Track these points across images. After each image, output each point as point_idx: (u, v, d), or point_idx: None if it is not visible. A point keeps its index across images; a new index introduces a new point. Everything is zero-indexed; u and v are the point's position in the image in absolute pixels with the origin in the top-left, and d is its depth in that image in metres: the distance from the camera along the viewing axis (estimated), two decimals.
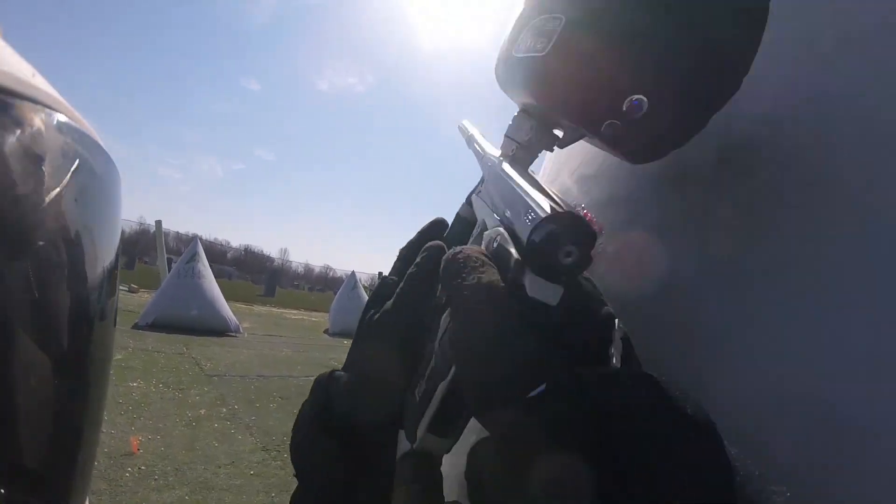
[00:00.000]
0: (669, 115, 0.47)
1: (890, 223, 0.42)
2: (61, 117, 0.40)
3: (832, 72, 0.53)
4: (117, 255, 0.50)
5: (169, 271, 15.08)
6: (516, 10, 0.57)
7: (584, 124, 0.50)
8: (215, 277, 14.81)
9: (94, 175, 0.45)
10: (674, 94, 0.46)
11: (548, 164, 1.08)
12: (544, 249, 0.39)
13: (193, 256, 14.21)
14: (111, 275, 0.48)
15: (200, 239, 15.57)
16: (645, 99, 0.45)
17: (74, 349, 0.41)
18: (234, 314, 14.75)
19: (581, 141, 0.67)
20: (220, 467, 5.12)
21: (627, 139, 0.49)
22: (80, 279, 0.42)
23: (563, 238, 0.39)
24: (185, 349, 10.92)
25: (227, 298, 15.09)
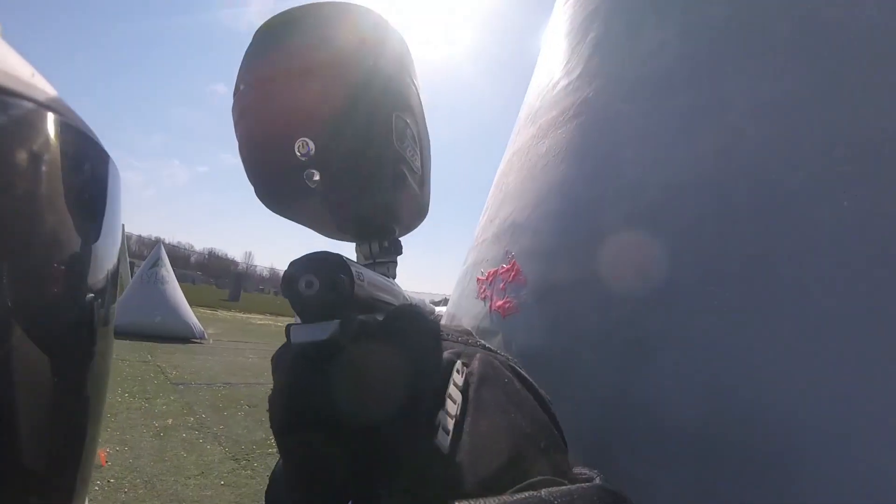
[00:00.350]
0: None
1: (790, 281, 0.54)
2: (61, 117, 0.40)
3: (740, 140, 0.64)
4: (118, 255, 0.50)
5: (132, 276, 14.77)
6: None
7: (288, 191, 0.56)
8: (179, 282, 14.49)
9: (94, 175, 0.45)
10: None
11: (487, 209, 1.15)
12: (286, 285, 0.45)
13: (157, 262, 13.85)
14: (112, 275, 0.48)
15: (164, 243, 15.18)
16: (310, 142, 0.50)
17: (75, 349, 0.41)
18: (199, 320, 14.42)
19: (515, 185, 0.76)
20: (189, 478, 5.05)
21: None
22: (81, 279, 0.42)
23: (298, 269, 0.45)
24: (150, 357, 10.67)
25: (191, 303, 14.79)
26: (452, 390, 0.43)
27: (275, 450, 6.09)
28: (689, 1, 0.79)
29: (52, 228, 0.37)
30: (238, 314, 29.10)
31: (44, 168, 0.36)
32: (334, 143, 0.51)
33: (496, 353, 0.53)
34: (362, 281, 0.49)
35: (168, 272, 13.95)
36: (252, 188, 0.57)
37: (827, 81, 0.60)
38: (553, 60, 1.09)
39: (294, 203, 0.58)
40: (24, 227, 0.34)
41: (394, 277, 0.67)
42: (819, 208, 0.56)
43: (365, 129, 0.53)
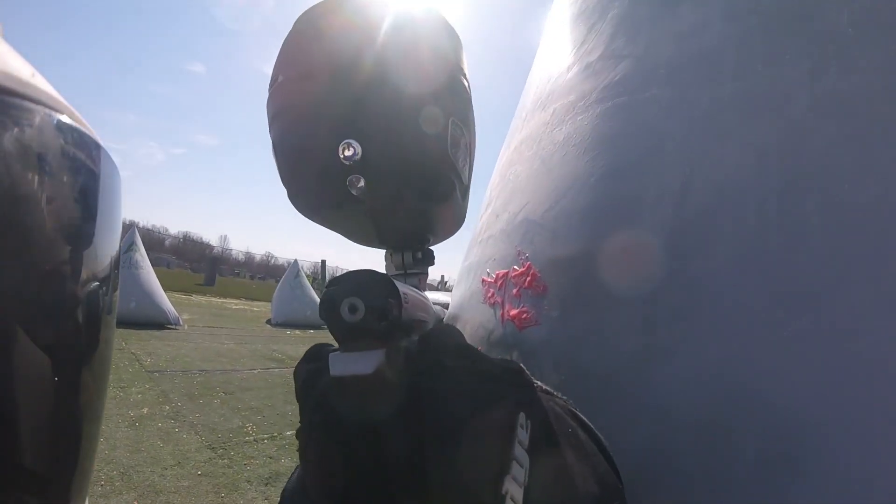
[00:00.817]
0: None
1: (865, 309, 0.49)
2: (61, 117, 0.40)
3: (803, 136, 0.57)
4: (118, 254, 0.50)
5: None
6: None
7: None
8: (153, 266, 14.28)
9: (94, 175, 0.45)
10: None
11: (491, 199, 1.07)
12: (326, 308, 0.40)
13: (130, 246, 13.53)
14: (112, 273, 0.48)
15: (138, 227, 14.97)
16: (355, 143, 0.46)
17: (76, 348, 0.41)
18: (174, 305, 14.26)
19: (526, 175, 0.69)
20: (166, 469, 4.99)
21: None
22: (81, 278, 0.42)
23: (342, 292, 0.41)
24: (125, 344, 10.51)
25: (166, 288, 14.57)
26: (518, 452, 0.40)
27: (251, 438, 6.07)
28: None
29: (54, 227, 0.37)
30: (213, 299, 28.75)
31: (44, 167, 0.37)
32: (384, 147, 0.47)
33: (553, 394, 0.49)
34: (407, 304, 0.46)
35: (142, 257, 13.76)
36: (286, 191, 0.54)
37: None
38: (564, 42, 1.00)
39: (333, 210, 0.54)
40: (26, 225, 0.35)
41: (423, 290, 0.63)
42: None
43: (416, 131, 0.48)
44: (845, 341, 0.51)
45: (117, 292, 0.51)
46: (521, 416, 0.42)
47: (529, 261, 0.81)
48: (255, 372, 9.79)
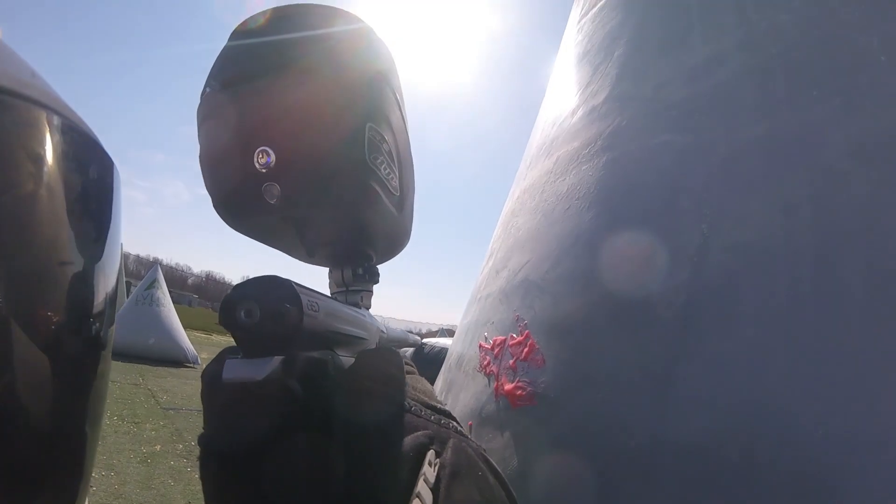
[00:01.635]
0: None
1: None
2: (61, 117, 0.40)
3: (839, 185, 0.50)
4: (119, 254, 0.51)
5: (128, 296, 14.74)
6: None
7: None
8: (175, 303, 14.52)
9: (94, 175, 0.45)
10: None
11: (492, 252, 1.00)
12: (224, 311, 0.40)
13: (153, 283, 13.95)
14: (113, 274, 0.48)
15: (161, 264, 15.32)
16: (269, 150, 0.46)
17: (76, 349, 0.42)
18: (193, 344, 14.45)
19: (528, 229, 0.63)
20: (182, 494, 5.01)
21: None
22: (81, 278, 0.42)
23: (239, 295, 0.41)
24: (141, 380, 10.62)
25: (186, 326, 14.83)
26: (422, 488, 0.39)
27: None
28: (749, 5, 0.62)
29: (53, 227, 0.38)
30: (232, 339, 29.16)
31: (45, 169, 0.37)
32: (296, 153, 0.47)
33: (468, 438, 0.49)
34: (317, 311, 0.45)
35: (164, 294, 14.06)
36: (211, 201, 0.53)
37: None
38: (569, 83, 0.93)
39: (252, 218, 0.53)
40: (26, 228, 0.35)
41: (368, 308, 0.64)
42: None
43: (330, 137, 0.49)
44: None
45: (117, 294, 0.50)
46: (431, 454, 0.42)
47: (528, 328, 0.73)
48: None
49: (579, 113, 0.84)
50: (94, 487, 4.88)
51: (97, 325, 0.44)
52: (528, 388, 0.68)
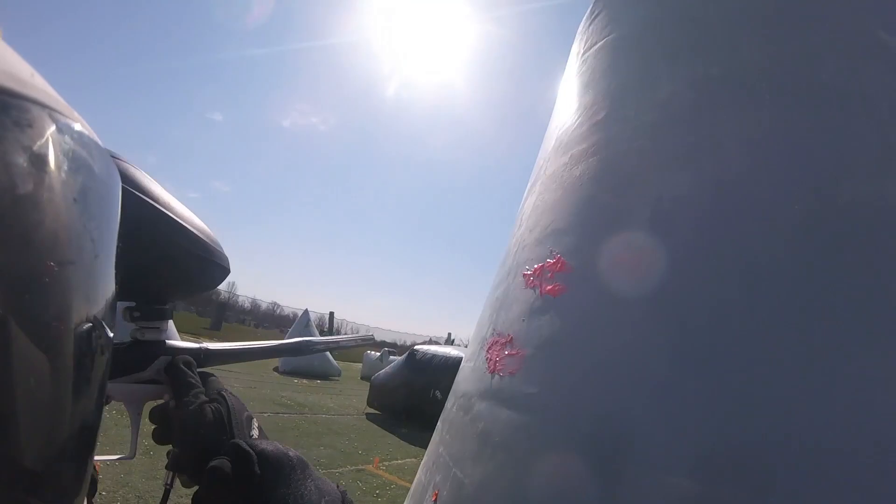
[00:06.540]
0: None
1: None
2: (61, 117, 0.39)
3: (737, 170, 0.87)
4: (118, 255, 0.49)
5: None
6: None
7: None
8: None
9: (94, 175, 0.44)
10: None
11: (523, 222, 1.38)
12: None
13: None
14: (113, 274, 0.48)
15: None
16: None
17: (75, 349, 0.40)
18: None
19: (552, 201, 1.01)
20: (181, 497, 5.03)
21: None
22: (81, 279, 0.41)
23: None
24: None
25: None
26: None
27: None
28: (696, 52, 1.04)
29: (52, 227, 0.36)
30: (220, 343, 28.77)
31: (45, 169, 0.36)
32: None
33: None
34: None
35: None
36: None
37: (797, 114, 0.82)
38: (575, 103, 1.37)
39: None
40: (24, 226, 0.34)
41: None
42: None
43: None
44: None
45: (117, 294, 0.50)
46: None
47: (560, 255, 1.12)
48: (266, 416, 9.91)
49: (585, 125, 1.26)
50: (100, 476, 4.95)
51: (98, 325, 0.44)
52: (563, 284, 1.07)
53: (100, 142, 0.47)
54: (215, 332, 36.96)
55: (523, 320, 1.12)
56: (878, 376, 0.65)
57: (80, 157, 0.41)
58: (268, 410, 10.64)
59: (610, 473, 0.79)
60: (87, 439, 0.45)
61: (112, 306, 0.48)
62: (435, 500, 1.21)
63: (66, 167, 0.38)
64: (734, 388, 0.72)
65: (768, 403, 0.69)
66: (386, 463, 8.37)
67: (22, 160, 0.33)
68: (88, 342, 0.42)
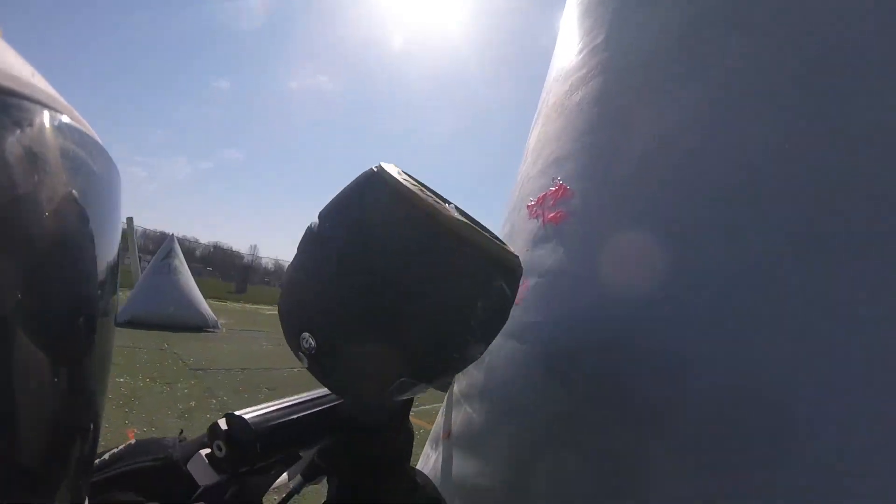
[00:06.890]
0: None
1: None
2: (61, 117, 0.39)
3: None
4: (118, 254, 0.50)
5: (141, 270, 15.00)
6: None
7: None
8: None
9: (94, 175, 0.44)
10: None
11: (528, 155, 1.37)
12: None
13: (169, 253, 14.14)
14: (112, 274, 0.47)
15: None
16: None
17: (76, 349, 0.41)
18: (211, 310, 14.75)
19: (554, 130, 1.01)
20: None
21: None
22: (81, 278, 0.42)
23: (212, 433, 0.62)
24: (166, 345, 10.99)
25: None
26: None
27: None
28: None
29: (53, 227, 0.36)
30: (247, 305, 29.48)
31: (44, 167, 0.36)
32: None
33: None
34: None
35: (181, 263, 14.22)
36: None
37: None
38: (576, 29, 1.32)
39: None
40: (25, 226, 0.34)
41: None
42: None
43: None
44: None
45: (117, 295, 0.51)
46: None
47: (562, 182, 1.11)
48: (296, 371, 10.06)
49: (585, 50, 1.22)
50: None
51: (98, 326, 0.44)
52: (564, 210, 1.06)
53: (99, 140, 0.47)
54: (241, 295, 37.67)
55: (527, 250, 1.12)
56: None
57: (80, 157, 0.42)
58: (297, 366, 10.52)
59: (614, 401, 0.80)
60: (87, 437, 0.45)
61: (113, 304, 0.49)
62: (448, 438, 1.22)
63: (66, 166, 0.39)
64: (747, 316, 0.68)
65: (786, 337, 0.65)
66: (414, 409, 8.50)
67: (22, 160, 0.33)
68: (89, 339, 0.42)
